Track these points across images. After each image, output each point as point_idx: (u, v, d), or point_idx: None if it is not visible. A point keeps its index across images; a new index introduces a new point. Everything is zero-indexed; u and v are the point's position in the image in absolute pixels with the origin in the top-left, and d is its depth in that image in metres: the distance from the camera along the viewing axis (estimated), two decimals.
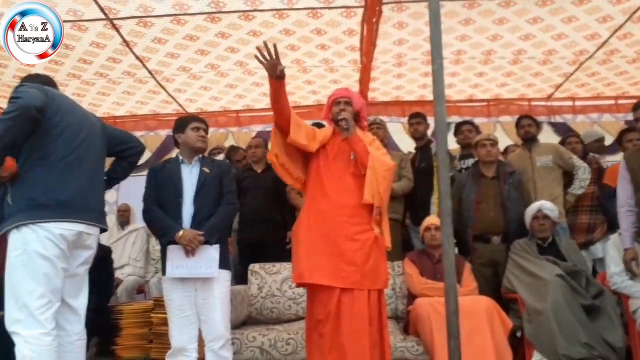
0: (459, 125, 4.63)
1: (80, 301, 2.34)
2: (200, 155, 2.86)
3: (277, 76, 2.38)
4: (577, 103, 5.37)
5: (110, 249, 3.62)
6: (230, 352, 2.71)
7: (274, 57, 2.33)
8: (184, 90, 5.13)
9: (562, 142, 4.49)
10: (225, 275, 2.75)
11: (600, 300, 2.96)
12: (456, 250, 4.07)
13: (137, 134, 5.80)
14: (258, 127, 5.68)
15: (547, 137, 5.21)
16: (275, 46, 2.32)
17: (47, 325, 2.08)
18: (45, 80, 2.44)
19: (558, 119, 5.40)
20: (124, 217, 4.59)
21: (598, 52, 4.41)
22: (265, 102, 5.49)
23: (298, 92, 5.24)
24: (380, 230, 2.59)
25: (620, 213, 2.96)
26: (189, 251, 2.61)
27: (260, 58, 2.34)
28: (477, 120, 5.45)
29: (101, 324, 2.95)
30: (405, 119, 5.07)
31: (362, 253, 2.49)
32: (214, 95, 5.31)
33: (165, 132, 5.80)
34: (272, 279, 3.63)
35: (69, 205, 2.20)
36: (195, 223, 2.68)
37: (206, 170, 2.79)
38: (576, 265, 3.11)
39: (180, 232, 2.61)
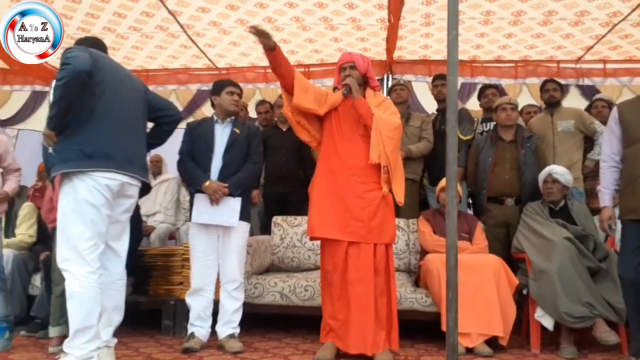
0: (483, 89, 4.63)
1: (122, 244, 2.59)
2: (234, 117, 3.10)
3: (270, 47, 2.61)
4: (608, 66, 5.24)
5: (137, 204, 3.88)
6: (242, 294, 3.02)
7: (264, 33, 2.56)
8: (214, 45, 5.24)
9: (589, 106, 4.48)
10: (244, 226, 3.02)
11: (606, 264, 3.06)
12: (471, 210, 4.21)
13: (169, 87, 6.01)
14: None
15: (575, 100, 5.17)
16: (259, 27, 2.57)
17: (93, 264, 2.32)
18: (94, 43, 2.60)
19: (587, 81, 5.30)
20: (156, 167, 4.83)
21: (632, 14, 4.28)
22: (293, 59, 5.55)
23: (325, 50, 5.28)
24: (389, 188, 2.74)
25: (602, 168, 2.77)
26: (214, 200, 2.89)
27: (256, 35, 2.57)
28: (504, 82, 5.42)
29: (136, 266, 3.19)
30: (430, 78, 5.09)
31: (369, 210, 2.69)
32: (243, 51, 5.40)
33: (195, 87, 5.96)
34: (293, 231, 3.86)
35: (113, 158, 2.39)
36: (222, 176, 2.96)
37: (237, 130, 3.05)
38: (585, 229, 3.20)
39: (207, 182, 2.90)
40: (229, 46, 5.28)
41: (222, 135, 3.05)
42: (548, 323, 2.97)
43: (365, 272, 2.66)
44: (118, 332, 2.62)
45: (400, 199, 2.76)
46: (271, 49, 2.61)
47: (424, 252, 3.47)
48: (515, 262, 3.38)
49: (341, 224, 2.68)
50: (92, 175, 2.33)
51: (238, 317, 2.98)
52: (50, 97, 2.35)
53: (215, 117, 3.12)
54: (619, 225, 2.78)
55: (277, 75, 2.75)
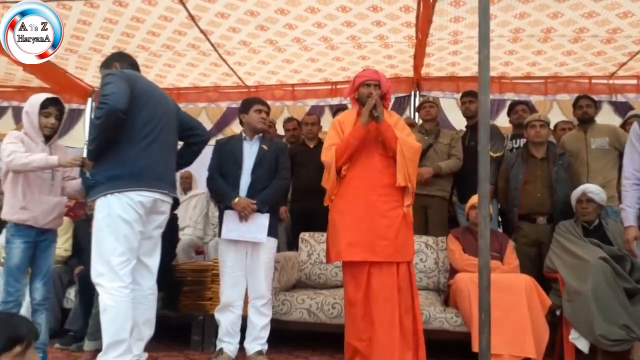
0: (513, 105, 4.59)
1: (154, 260, 2.64)
2: (261, 134, 3.15)
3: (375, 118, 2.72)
4: None
5: (177, 216, 3.93)
6: (270, 310, 3.03)
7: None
8: (244, 63, 5.35)
9: (623, 122, 4.37)
10: (272, 242, 3.04)
11: None
12: (501, 228, 4.14)
13: (199, 105, 6.15)
14: (312, 102, 5.84)
15: (607, 116, 5.06)
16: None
17: (125, 279, 2.38)
18: (131, 63, 2.69)
19: (620, 97, 5.19)
20: (186, 183, 4.93)
21: None
22: (320, 77, 5.63)
23: (352, 67, 5.33)
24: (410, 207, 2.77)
25: (624, 186, 2.69)
26: (243, 217, 2.92)
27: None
28: (534, 99, 5.36)
29: (166, 281, 3.23)
30: (458, 95, 5.06)
31: (393, 229, 2.69)
32: (271, 70, 5.50)
33: (225, 104, 6.09)
34: (320, 247, 3.86)
35: (143, 176, 2.45)
36: (251, 193, 2.99)
37: (265, 147, 3.09)
38: (621, 249, 3.11)
39: (236, 199, 2.94)
40: (258, 65, 5.39)
41: (250, 152, 3.09)
42: (583, 345, 2.88)
43: (390, 290, 2.65)
44: (148, 347, 2.65)
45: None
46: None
47: (453, 271, 3.43)
48: (548, 282, 3.30)
49: (368, 245, 2.67)
50: (125, 193, 2.40)
51: (266, 333, 2.98)
52: (86, 129, 2.42)
53: (243, 135, 3.16)
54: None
55: (349, 157, 2.79)
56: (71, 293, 3.71)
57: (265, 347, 2.97)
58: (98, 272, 2.38)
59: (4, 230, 2.86)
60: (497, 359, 2.82)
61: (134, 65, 2.71)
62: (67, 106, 5.89)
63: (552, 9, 4.02)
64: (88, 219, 3.52)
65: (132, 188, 2.41)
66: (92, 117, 2.38)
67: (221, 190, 3.06)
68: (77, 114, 6.13)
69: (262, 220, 2.97)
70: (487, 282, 1.74)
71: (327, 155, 2.80)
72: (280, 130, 5.19)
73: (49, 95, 2.83)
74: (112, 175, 2.42)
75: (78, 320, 3.27)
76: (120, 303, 2.34)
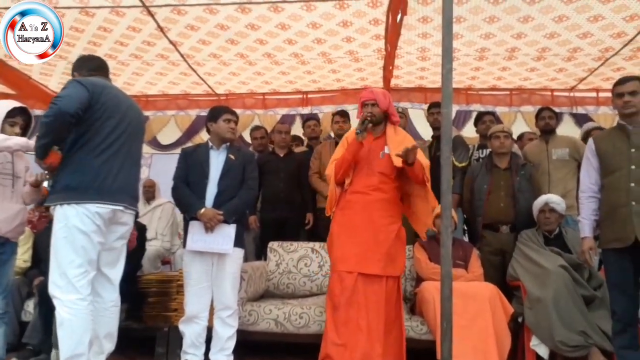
0: (480, 115, 4.70)
1: (116, 272, 2.59)
2: (228, 143, 3.11)
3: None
4: (601, 94, 5.33)
5: (145, 227, 3.85)
6: (236, 321, 3.00)
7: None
8: (214, 74, 5.34)
9: (585, 134, 4.52)
10: (239, 253, 3.02)
11: (600, 292, 3.06)
12: (467, 237, 4.22)
13: (168, 113, 6.09)
14: (283, 111, 5.87)
15: (568, 128, 5.24)
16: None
17: (83, 291, 2.32)
18: (98, 66, 2.62)
19: (580, 110, 5.39)
20: (149, 192, 4.80)
21: (624, 49, 4.39)
22: (291, 87, 5.66)
23: (323, 80, 5.38)
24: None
25: (581, 199, 2.77)
26: (208, 228, 2.87)
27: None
28: (499, 110, 5.51)
29: (130, 292, 3.17)
30: (426, 106, 5.16)
31: (386, 244, 2.80)
32: (242, 80, 5.51)
33: (195, 112, 6.05)
34: (289, 257, 3.85)
35: (102, 189, 2.40)
36: (217, 203, 2.95)
37: (232, 157, 3.06)
38: (579, 257, 3.21)
39: (202, 210, 2.89)
40: (229, 75, 5.38)
41: (217, 161, 3.04)
42: (543, 352, 2.95)
43: (377, 301, 2.74)
44: (110, 359, 2.59)
45: (423, 234, 3.08)
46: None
47: (419, 279, 3.47)
48: (510, 290, 3.37)
49: (361, 257, 2.78)
50: (82, 204, 2.36)
51: (232, 344, 2.95)
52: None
53: (210, 143, 3.10)
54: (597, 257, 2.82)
55: (347, 172, 2.94)
56: (30, 305, 3.60)
57: (231, 358, 2.94)
58: (55, 285, 2.33)
59: None
60: None
61: (101, 67, 2.64)
62: (32, 112, 5.74)
63: (515, 30, 4.17)
64: (48, 230, 3.43)
65: (89, 200, 2.36)
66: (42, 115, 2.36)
67: (186, 200, 2.99)
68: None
69: (229, 231, 2.93)
70: (449, 291, 1.77)
71: (329, 169, 3.00)
72: (248, 138, 5.18)
73: (17, 104, 2.76)
74: (70, 186, 2.37)
75: (37, 334, 3.16)
76: (77, 316, 2.28)
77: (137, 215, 2.72)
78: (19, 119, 2.75)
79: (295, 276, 3.80)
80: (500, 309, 3.06)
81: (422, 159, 2.89)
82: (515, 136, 4.83)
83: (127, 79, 5.51)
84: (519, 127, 5.26)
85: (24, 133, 2.78)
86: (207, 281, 2.96)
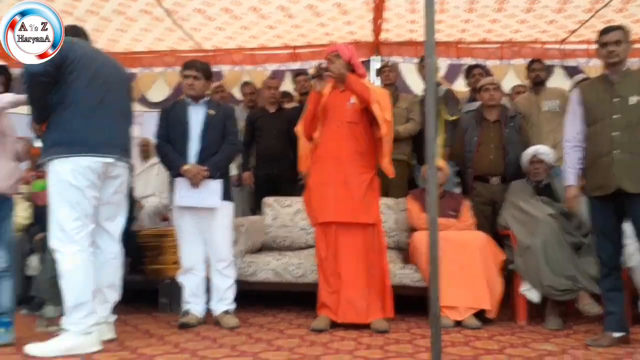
0: (470, 69, 4.71)
1: (116, 225, 2.67)
2: (207, 98, 3.10)
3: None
4: (591, 47, 5.32)
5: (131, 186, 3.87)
6: (233, 272, 3.08)
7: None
8: (199, 29, 5.20)
9: (575, 87, 4.56)
10: (228, 205, 3.07)
11: (589, 239, 3.16)
12: (460, 189, 4.31)
13: (156, 70, 5.96)
14: (273, 66, 5.76)
15: (559, 80, 5.24)
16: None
17: (82, 243, 2.41)
18: (74, 32, 2.64)
19: (571, 62, 5.40)
20: (144, 151, 4.83)
21: (614, 0, 4.36)
22: (279, 42, 5.55)
23: (312, 35, 5.29)
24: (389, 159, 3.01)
25: (566, 148, 2.81)
26: (194, 184, 2.91)
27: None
28: (490, 63, 5.47)
29: (130, 246, 3.23)
30: (418, 60, 5.14)
31: (359, 192, 2.89)
32: (229, 35, 5.37)
33: None
34: (284, 211, 3.92)
35: (89, 142, 2.44)
36: (201, 159, 2.98)
37: (211, 112, 3.05)
38: (565, 206, 3.30)
39: (186, 166, 2.93)
40: (215, 30, 5.24)
41: (196, 117, 3.04)
42: (534, 296, 3.08)
43: (355, 249, 2.88)
44: (117, 310, 2.68)
45: (390, 173, 3.04)
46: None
47: (412, 230, 3.56)
48: (501, 239, 3.48)
49: (335, 207, 2.89)
50: (71, 159, 2.40)
51: (231, 294, 3.04)
52: None
53: (188, 99, 3.08)
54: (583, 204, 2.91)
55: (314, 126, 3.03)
56: (33, 261, 3.66)
57: (232, 306, 3.04)
58: (55, 238, 2.41)
59: None
60: (453, 311, 3.00)
61: (77, 33, 2.67)
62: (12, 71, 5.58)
63: None
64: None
65: (76, 154, 2.41)
66: None
67: (169, 157, 3.03)
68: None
69: (215, 186, 2.97)
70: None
71: (298, 126, 3.15)
72: (238, 95, 5.13)
73: None
74: (57, 141, 2.43)
75: (43, 287, 3.24)
76: (78, 267, 2.37)
77: (131, 169, 2.76)
78: (1, 77, 2.72)
79: (291, 230, 3.88)
80: (491, 256, 3.18)
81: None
82: (507, 90, 4.87)
83: (110, 36, 5.33)
84: (510, 80, 5.24)
85: (4, 90, 2.78)
86: (198, 234, 3.02)
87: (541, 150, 3.47)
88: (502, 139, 3.71)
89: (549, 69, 4.35)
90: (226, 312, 2.99)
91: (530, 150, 3.50)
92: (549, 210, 3.21)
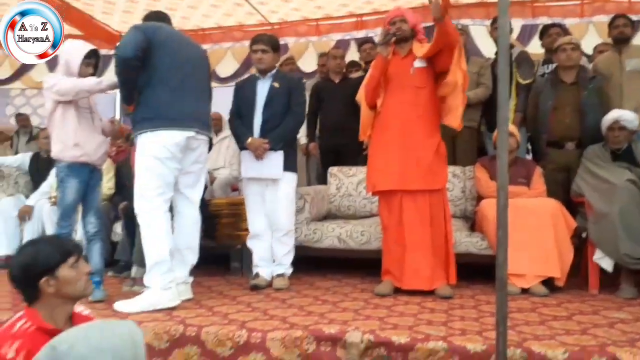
0: (546, 28, 4.43)
1: (195, 192, 2.88)
2: (275, 70, 3.17)
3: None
4: None
5: None
6: (291, 240, 3.21)
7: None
8: (266, 2, 5.29)
9: None
10: (291, 176, 3.16)
11: None
12: (530, 156, 4.14)
13: (225, 45, 6.15)
14: (337, 36, 5.76)
15: None
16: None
17: (162, 206, 2.63)
18: (158, 17, 2.84)
19: None
20: (216, 125, 5.02)
21: None
22: (344, 10, 5.52)
23: (377, 1, 5.19)
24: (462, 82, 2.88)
25: None
26: (257, 156, 3.04)
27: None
28: (568, 22, 5.13)
29: (204, 214, 3.44)
30: (489, 22, 4.90)
31: (426, 159, 2.84)
32: (295, 7, 5.43)
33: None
34: (349, 181, 3.98)
35: (173, 117, 2.64)
36: (264, 131, 3.09)
37: (276, 85, 3.13)
38: None
39: (249, 140, 3.06)
40: (281, 2, 5.31)
41: (262, 91, 3.14)
42: (607, 264, 2.95)
43: (420, 216, 2.85)
44: (192, 273, 2.90)
45: (457, 124, 2.92)
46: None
47: (479, 199, 3.49)
48: (575, 206, 3.33)
49: (400, 175, 2.86)
50: (157, 133, 2.60)
51: (288, 259, 3.19)
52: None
53: (257, 74, 3.21)
54: None
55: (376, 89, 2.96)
56: (117, 227, 3.99)
57: (289, 271, 3.19)
58: (137, 204, 2.65)
59: (53, 171, 3.07)
60: (520, 279, 2.94)
61: (160, 18, 2.85)
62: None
63: None
64: (127, 160, 3.75)
65: (161, 127, 2.60)
66: None
67: (237, 131, 3.19)
68: (106, 60, 6.24)
69: (276, 158, 3.07)
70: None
71: (359, 93, 3.11)
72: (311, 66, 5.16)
73: (91, 46, 2.93)
74: (143, 117, 2.63)
75: (126, 252, 3.57)
76: (157, 229, 2.60)
77: (210, 142, 2.94)
78: (93, 59, 2.93)
79: (355, 199, 3.94)
80: (562, 224, 3.06)
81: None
82: (588, 51, 4.53)
83: (183, 13, 5.59)
84: (591, 39, 4.86)
85: (94, 73, 2.97)
86: (263, 203, 3.17)
87: (624, 116, 3.23)
88: (579, 103, 3.50)
89: (634, 25, 3.98)
90: (280, 275, 3.14)
91: (612, 116, 3.27)
92: (627, 176, 3.02)
